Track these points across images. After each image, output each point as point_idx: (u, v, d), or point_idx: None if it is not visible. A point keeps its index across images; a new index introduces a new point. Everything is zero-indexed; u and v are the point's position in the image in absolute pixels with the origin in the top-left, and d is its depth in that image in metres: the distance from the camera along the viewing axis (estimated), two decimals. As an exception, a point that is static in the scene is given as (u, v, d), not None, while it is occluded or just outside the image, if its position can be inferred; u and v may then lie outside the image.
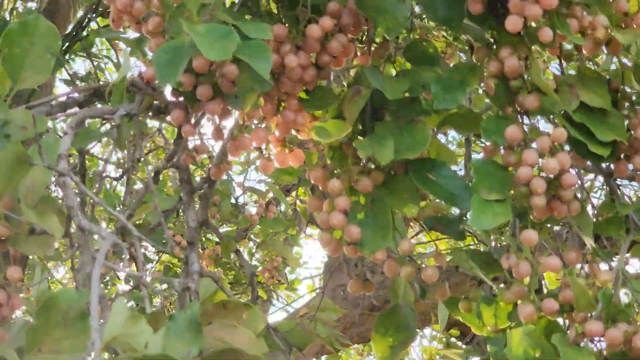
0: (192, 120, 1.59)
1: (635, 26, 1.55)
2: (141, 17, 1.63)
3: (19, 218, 1.45)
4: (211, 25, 1.41)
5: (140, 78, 1.58)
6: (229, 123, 1.64)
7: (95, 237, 1.38)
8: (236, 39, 1.37)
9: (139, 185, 4.15)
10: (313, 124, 1.61)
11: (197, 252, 1.63)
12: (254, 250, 4.60)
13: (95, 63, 4.12)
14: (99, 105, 1.67)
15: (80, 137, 1.68)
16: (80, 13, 4.22)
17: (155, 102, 1.64)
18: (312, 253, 12.20)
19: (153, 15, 1.61)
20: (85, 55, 4.03)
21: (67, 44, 3.84)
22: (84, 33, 3.86)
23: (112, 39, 3.98)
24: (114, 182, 3.92)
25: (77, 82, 3.94)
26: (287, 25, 1.61)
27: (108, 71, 4.68)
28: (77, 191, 1.51)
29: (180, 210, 1.80)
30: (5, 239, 1.46)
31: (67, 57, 3.91)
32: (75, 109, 1.71)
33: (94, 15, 3.94)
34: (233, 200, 3.60)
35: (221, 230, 3.75)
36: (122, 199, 3.20)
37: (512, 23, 1.41)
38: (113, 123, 1.59)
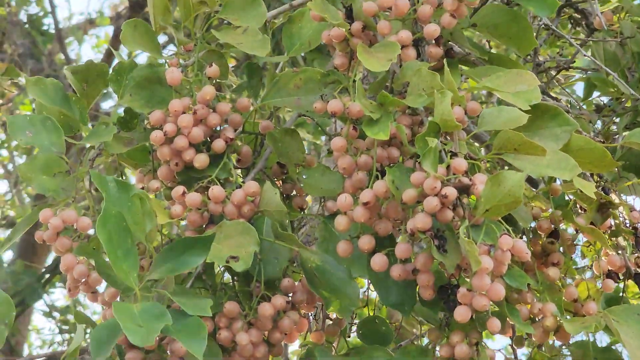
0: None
1: (585, 313, 1.55)
2: (97, 287, 1.64)
3: None
4: (148, 304, 1.40)
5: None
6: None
7: None
8: (167, 320, 1.36)
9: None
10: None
11: None
12: None
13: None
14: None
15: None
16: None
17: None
18: None
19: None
20: (64, 286, 4.03)
21: (47, 275, 3.85)
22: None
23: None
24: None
25: (55, 313, 3.93)
26: (240, 300, 1.61)
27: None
28: None
29: None
30: None
31: (45, 289, 3.91)
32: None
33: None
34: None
35: None
36: None
37: (461, 314, 1.40)
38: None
